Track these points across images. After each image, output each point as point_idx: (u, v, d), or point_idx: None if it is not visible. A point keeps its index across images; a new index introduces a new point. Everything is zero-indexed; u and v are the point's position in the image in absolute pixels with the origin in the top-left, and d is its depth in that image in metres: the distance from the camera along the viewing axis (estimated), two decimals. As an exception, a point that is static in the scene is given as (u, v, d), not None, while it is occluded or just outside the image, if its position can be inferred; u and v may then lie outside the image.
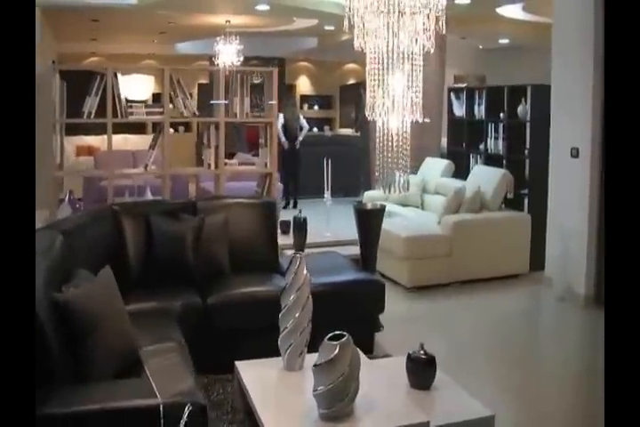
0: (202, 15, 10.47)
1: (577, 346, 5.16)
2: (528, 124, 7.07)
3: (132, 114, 5.46)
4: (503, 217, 6.77)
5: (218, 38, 10.75)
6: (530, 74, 7.23)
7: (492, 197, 6.75)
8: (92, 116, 5.38)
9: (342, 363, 2.96)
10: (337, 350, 2.96)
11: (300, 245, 5.89)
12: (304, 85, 16.82)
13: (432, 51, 3.35)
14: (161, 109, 5.60)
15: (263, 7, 9.12)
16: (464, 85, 9.02)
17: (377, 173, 3.62)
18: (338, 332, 3.07)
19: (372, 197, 7.79)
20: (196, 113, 5.69)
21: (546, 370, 4.63)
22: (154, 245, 4.48)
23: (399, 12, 3.15)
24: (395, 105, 3.40)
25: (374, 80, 3.40)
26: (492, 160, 7.67)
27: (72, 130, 10.26)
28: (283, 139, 11.06)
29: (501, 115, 7.52)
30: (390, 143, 3.53)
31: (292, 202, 11.10)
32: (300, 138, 11.23)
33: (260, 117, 6.00)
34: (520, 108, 7.19)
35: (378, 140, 3.58)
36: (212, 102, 5.88)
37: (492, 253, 6.55)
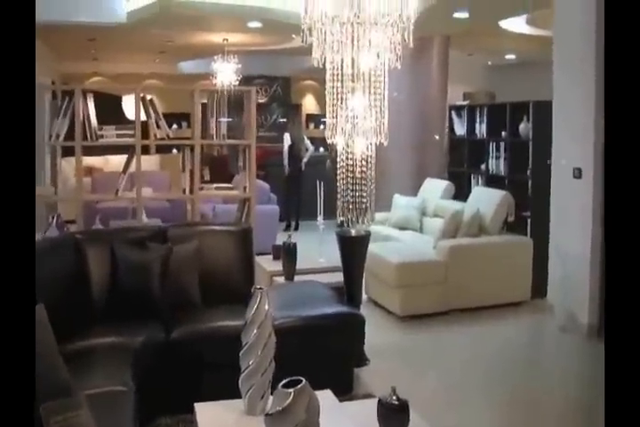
0: (198, 33, 10.29)
1: (577, 383, 4.78)
2: (530, 143, 6.75)
3: (102, 137, 5.21)
4: (502, 242, 6.41)
5: (215, 57, 10.55)
6: (540, 91, 6.91)
7: (492, 221, 6.41)
8: (61, 138, 5.12)
9: (297, 412, 2.66)
10: (291, 398, 2.65)
11: (289, 272, 5.61)
12: (310, 104, 16.58)
13: (399, 66, 3.05)
14: (132, 132, 5.32)
15: (255, 24, 8.90)
16: (465, 103, 8.73)
17: (338, 202, 3.32)
18: (295, 377, 2.76)
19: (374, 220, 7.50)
20: (170, 135, 5.42)
21: (545, 412, 4.26)
22: (118, 275, 4.25)
23: (357, 23, 2.85)
24: (356, 127, 3.09)
25: (335, 99, 3.11)
26: (493, 181, 7.36)
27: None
28: (285, 162, 10.81)
29: (503, 133, 7.22)
30: (352, 168, 3.23)
31: (293, 224, 10.82)
32: (305, 159, 10.97)
33: (237, 139, 5.74)
34: (522, 126, 6.88)
35: (339, 164, 3.28)
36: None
37: (491, 280, 6.19)
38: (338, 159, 3.39)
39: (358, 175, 3.19)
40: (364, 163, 3.18)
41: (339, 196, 3.31)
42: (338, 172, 3.43)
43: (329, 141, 3.67)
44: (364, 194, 3.18)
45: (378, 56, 2.98)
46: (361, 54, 2.92)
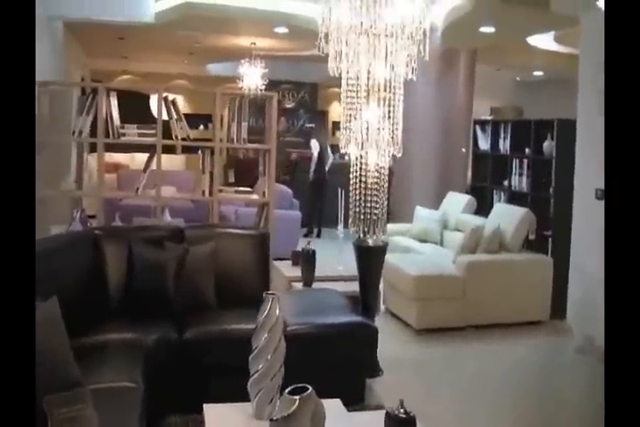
0: (226, 36, 10.32)
1: (588, 405, 4.70)
2: (553, 162, 6.68)
3: (123, 135, 5.24)
4: (522, 259, 6.31)
5: (242, 61, 10.57)
6: (569, 108, 6.86)
7: (513, 238, 6.34)
8: (84, 135, 5.15)
9: (302, 419, 2.64)
10: (296, 405, 2.63)
11: (307, 278, 5.60)
12: (336, 112, 16.56)
13: (414, 79, 3.02)
14: (153, 131, 5.35)
15: (282, 30, 8.93)
16: (489, 118, 8.67)
17: (351, 212, 3.29)
18: (301, 385, 2.74)
19: (395, 230, 7.50)
20: (190, 136, 5.45)
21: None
22: (134, 273, 4.27)
23: (374, 34, 2.82)
24: (370, 139, 3.06)
25: (350, 109, 3.07)
26: (515, 198, 7.29)
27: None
28: (312, 168, 10.85)
29: (527, 150, 7.16)
30: (365, 179, 3.20)
31: (315, 231, 10.83)
32: (327, 168, 11.01)
33: (258, 144, 5.76)
34: (546, 144, 6.81)
35: (352, 175, 3.27)
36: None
37: (510, 298, 6.11)
38: (351, 169, 3.37)
39: (371, 186, 3.15)
40: (376, 174, 3.12)
41: (351, 206, 3.29)
42: (351, 182, 3.41)
43: (342, 151, 3.65)
44: (377, 206, 3.14)
45: (393, 68, 2.95)
46: (376, 65, 2.89)
